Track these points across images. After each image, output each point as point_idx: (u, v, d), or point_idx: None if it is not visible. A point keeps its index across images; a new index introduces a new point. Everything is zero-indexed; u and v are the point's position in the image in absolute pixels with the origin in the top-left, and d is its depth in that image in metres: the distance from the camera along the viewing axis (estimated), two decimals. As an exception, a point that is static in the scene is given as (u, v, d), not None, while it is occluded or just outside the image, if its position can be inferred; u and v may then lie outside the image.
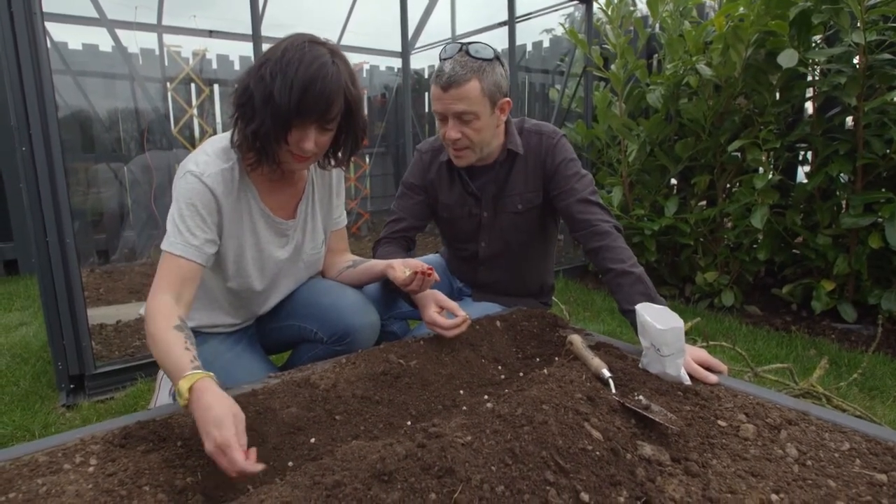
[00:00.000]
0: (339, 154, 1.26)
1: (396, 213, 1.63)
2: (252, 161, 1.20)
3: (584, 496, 0.73)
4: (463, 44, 1.39)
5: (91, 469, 0.81)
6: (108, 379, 1.97)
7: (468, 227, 1.61)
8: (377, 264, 1.37)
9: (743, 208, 2.63)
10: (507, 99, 1.43)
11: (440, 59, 1.40)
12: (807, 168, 2.79)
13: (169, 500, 0.77)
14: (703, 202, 3.12)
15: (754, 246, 2.78)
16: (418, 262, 1.27)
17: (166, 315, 1.02)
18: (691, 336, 2.29)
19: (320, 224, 1.42)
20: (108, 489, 0.76)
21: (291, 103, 1.06)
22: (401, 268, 1.27)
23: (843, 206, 2.53)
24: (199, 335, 1.36)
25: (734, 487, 0.79)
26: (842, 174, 2.42)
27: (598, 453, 0.80)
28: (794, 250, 2.76)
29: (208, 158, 1.18)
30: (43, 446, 0.87)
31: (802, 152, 2.80)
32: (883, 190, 2.33)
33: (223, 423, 0.81)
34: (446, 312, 1.29)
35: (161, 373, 1.63)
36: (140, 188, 4.08)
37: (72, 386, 1.92)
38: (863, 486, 0.80)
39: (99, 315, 2.68)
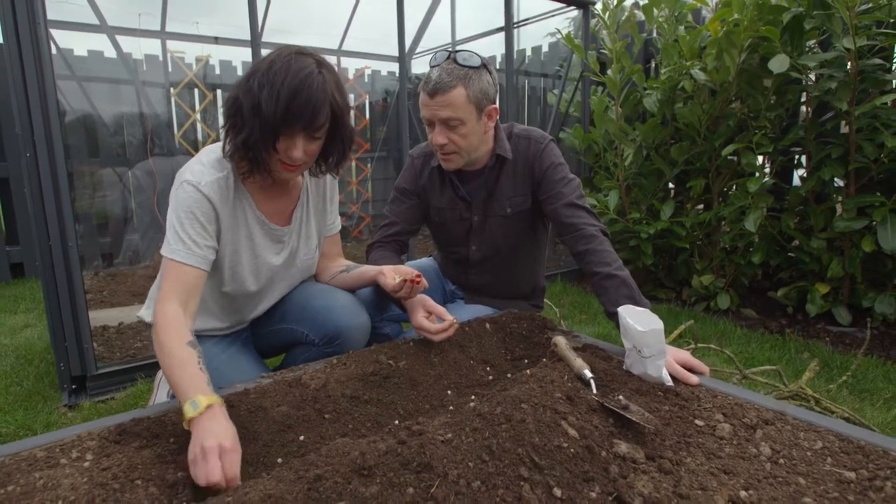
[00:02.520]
0: (330, 162, 1.28)
1: (389, 218, 1.67)
2: (245, 170, 1.24)
3: (557, 491, 0.76)
4: (451, 52, 1.42)
5: (87, 464, 0.85)
6: (109, 379, 2.01)
7: (459, 230, 1.64)
8: (369, 270, 1.40)
9: (738, 212, 2.65)
10: (495, 105, 1.46)
11: (430, 67, 1.44)
12: (802, 172, 2.81)
13: (160, 493, 0.80)
14: (701, 206, 3.15)
15: (750, 249, 2.79)
16: (408, 270, 1.30)
17: (178, 328, 1.05)
18: (685, 338, 2.31)
19: (314, 230, 1.46)
20: (102, 483, 0.79)
21: (278, 112, 1.09)
22: (391, 274, 1.30)
23: (838, 209, 2.55)
24: None
25: (705, 484, 0.82)
26: (836, 178, 2.44)
27: (573, 450, 0.83)
28: (789, 254, 2.78)
29: (203, 168, 1.21)
30: (41, 442, 0.91)
31: (798, 156, 2.82)
32: (878, 194, 2.34)
33: (223, 436, 0.85)
34: (435, 317, 1.32)
35: (160, 374, 1.67)
36: (144, 193, 4.13)
37: (74, 386, 1.96)
38: (831, 483, 0.83)
39: (102, 317, 2.73)
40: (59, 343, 1.90)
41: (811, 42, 2.56)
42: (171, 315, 1.07)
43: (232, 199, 1.26)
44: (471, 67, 1.39)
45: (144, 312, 1.45)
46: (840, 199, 2.49)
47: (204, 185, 1.19)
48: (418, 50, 5.52)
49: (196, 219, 1.18)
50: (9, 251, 3.97)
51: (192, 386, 0.94)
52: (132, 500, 0.76)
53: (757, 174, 2.63)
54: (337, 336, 1.35)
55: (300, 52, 1.15)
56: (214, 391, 0.96)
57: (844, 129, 2.54)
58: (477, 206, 1.59)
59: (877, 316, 2.38)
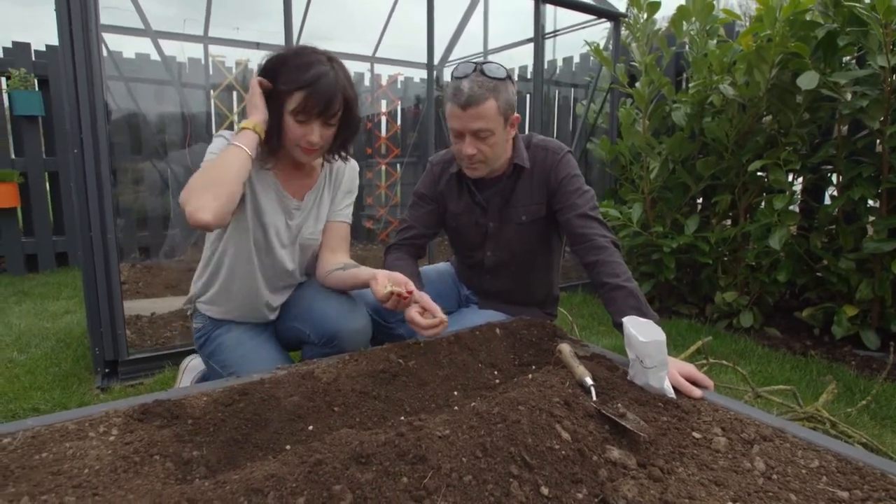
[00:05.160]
0: (340, 144, 1.41)
1: (407, 222, 1.72)
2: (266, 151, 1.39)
3: (544, 490, 0.79)
4: (476, 63, 1.47)
5: (112, 438, 0.92)
6: (140, 365, 2.12)
7: (475, 236, 1.68)
8: (363, 273, 1.40)
9: (763, 229, 2.61)
10: (517, 115, 1.50)
11: (453, 78, 1.48)
12: (833, 190, 2.74)
13: (175, 468, 0.87)
14: (727, 221, 3.10)
15: (775, 267, 2.74)
16: (402, 279, 1.30)
17: None
18: (702, 355, 2.28)
19: (323, 214, 1.54)
20: (125, 455, 0.86)
21: (297, 105, 1.27)
22: (383, 282, 1.29)
23: (869, 230, 2.48)
24: (226, 324, 1.48)
25: (693, 493, 0.83)
26: (867, 198, 2.38)
27: (564, 452, 0.86)
28: (817, 273, 2.71)
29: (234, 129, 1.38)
30: (73, 416, 0.99)
31: (829, 174, 2.76)
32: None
33: None
34: (428, 314, 1.33)
35: (185, 361, 1.76)
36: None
37: (107, 370, 2.08)
38: (823, 501, 0.83)
39: (136, 307, 2.86)
40: (94, 329, 2.02)
41: (847, 58, 2.51)
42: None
43: (257, 161, 1.38)
44: (499, 79, 1.44)
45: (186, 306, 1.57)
46: (871, 219, 2.43)
47: (228, 133, 1.36)
48: (451, 58, 5.59)
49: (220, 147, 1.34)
50: (55, 241, 4.20)
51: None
52: (150, 473, 0.83)
53: (786, 191, 2.58)
54: (333, 338, 1.40)
55: (314, 51, 1.31)
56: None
57: (880, 148, 2.48)
58: (493, 213, 1.63)
59: (906, 341, 2.31)
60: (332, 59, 1.31)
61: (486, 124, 1.44)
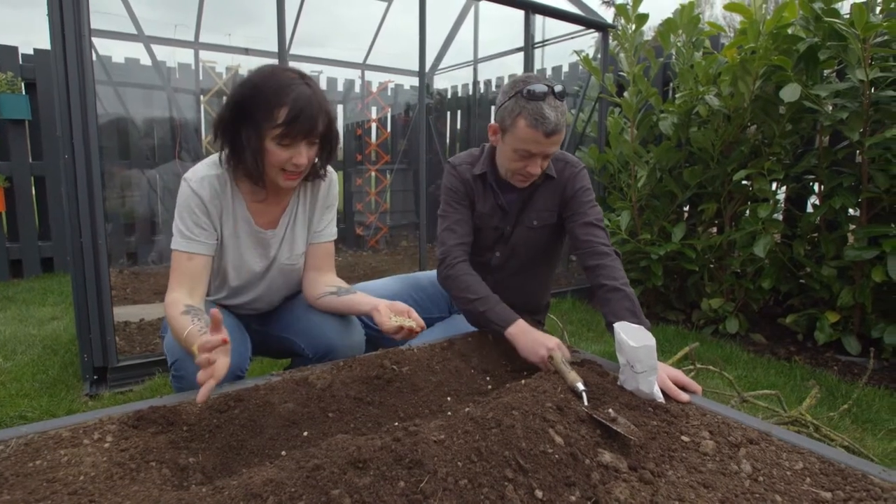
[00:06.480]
0: (320, 163, 1.39)
1: (453, 216, 1.66)
2: (240, 175, 1.35)
3: (539, 493, 0.81)
4: (549, 84, 1.45)
5: (107, 445, 0.92)
6: (129, 372, 2.11)
7: (491, 236, 1.71)
8: (362, 304, 1.38)
9: (748, 236, 2.66)
10: None
11: (527, 99, 1.42)
12: (815, 199, 2.81)
13: (172, 475, 0.87)
14: (713, 229, 3.16)
15: (760, 275, 2.80)
16: (404, 308, 1.29)
17: (175, 305, 1.20)
18: (688, 361, 2.32)
19: (300, 236, 1.49)
20: (120, 462, 0.87)
21: (283, 127, 1.23)
22: (387, 313, 1.29)
23: (850, 238, 2.55)
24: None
25: (683, 496, 0.85)
26: (848, 207, 2.44)
27: (557, 456, 0.88)
28: (800, 280, 2.77)
29: (200, 167, 1.34)
30: (67, 423, 0.98)
31: (811, 183, 2.82)
32: (892, 225, 2.34)
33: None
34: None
35: None
36: (171, 196, 4.29)
37: (95, 377, 2.06)
38: (807, 501, 0.86)
39: (124, 313, 2.84)
40: (83, 335, 2.01)
41: (828, 71, 2.58)
42: (171, 300, 1.22)
43: (228, 196, 1.35)
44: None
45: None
46: (852, 227, 2.50)
47: (194, 181, 1.31)
48: (441, 66, 5.64)
49: (192, 211, 1.30)
50: (41, 246, 4.14)
51: (191, 337, 1.11)
52: (146, 479, 0.83)
53: (770, 200, 2.64)
54: (328, 353, 1.41)
55: (285, 69, 1.27)
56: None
57: (860, 159, 2.55)
58: (511, 216, 1.67)
59: (887, 346, 2.36)
60: (304, 76, 1.26)
61: (559, 144, 1.50)
